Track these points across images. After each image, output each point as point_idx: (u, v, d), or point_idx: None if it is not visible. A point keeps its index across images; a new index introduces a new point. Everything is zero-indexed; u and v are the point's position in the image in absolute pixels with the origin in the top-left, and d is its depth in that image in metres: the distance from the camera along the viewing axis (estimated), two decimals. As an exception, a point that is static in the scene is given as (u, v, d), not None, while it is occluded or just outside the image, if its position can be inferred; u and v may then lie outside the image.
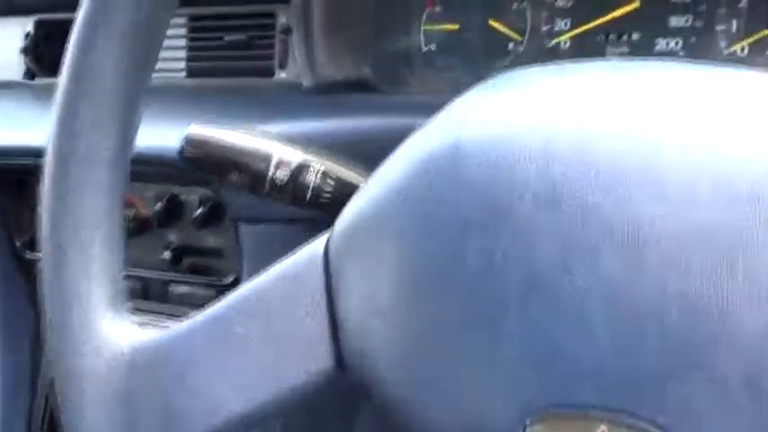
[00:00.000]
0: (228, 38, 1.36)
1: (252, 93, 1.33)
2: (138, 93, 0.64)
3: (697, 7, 1.22)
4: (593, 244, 0.44)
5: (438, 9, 1.40)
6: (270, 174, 0.76)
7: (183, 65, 1.41)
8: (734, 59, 1.18)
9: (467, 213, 0.49)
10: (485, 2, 1.36)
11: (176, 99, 1.36)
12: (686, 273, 0.42)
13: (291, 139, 1.18)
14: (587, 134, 0.50)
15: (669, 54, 1.22)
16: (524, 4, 1.33)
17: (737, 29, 1.19)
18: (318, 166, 0.77)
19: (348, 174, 0.79)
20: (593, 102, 0.52)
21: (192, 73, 1.41)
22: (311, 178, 0.77)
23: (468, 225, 0.48)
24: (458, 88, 1.39)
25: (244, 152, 0.77)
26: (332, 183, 0.78)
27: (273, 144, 0.79)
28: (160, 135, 1.23)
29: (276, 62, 1.33)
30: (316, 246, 0.58)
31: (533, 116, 0.52)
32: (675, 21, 1.23)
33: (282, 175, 0.76)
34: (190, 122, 1.28)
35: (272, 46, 1.33)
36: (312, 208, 0.79)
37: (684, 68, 0.56)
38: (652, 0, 1.24)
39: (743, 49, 1.18)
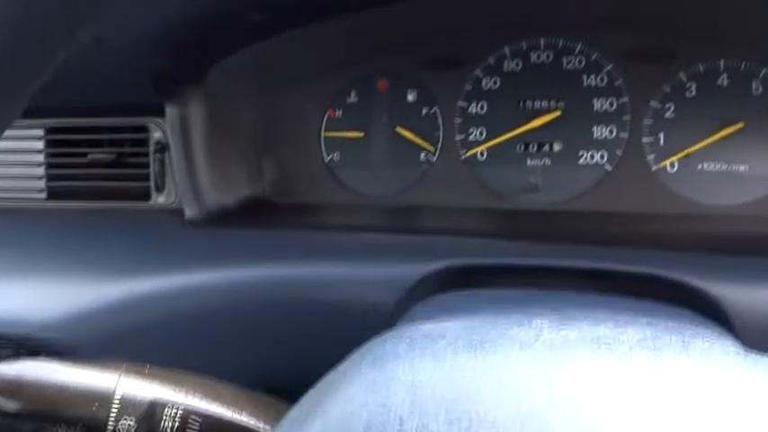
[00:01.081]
0: (94, 155, 1.16)
1: (124, 221, 1.12)
2: None
3: (621, 117, 1.12)
4: None
5: (340, 114, 1.24)
6: (110, 425, 0.57)
7: (42, 185, 1.19)
8: (663, 176, 1.08)
9: None
10: (391, 106, 1.22)
11: (30, 232, 1.13)
12: None
13: (167, 298, 1.00)
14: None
15: (594, 168, 1.12)
16: (435, 109, 1.20)
17: (665, 142, 1.09)
18: (177, 404, 0.59)
19: (219, 409, 0.61)
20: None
21: (53, 195, 1.19)
22: (167, 423, 0.58)
23: None
24: (365, 203, 1.25)
25: (74, 396, 0.58)
26: (197, 423, 0.59)
27: (115, 377, 0.60)
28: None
29: (152, 184, 1.13)
30: None
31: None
32: (599, 131, 1.13)
33: (127, 425, 0.57)
34: (43, 271, 1.08)
35: (146, 165, 1.14)
36: (174, 456, 0.61)
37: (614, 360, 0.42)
38: (574, 108, 1.13)
39: (672, 166, 1.08)
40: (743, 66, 1.05)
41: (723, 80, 1.06)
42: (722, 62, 1.06)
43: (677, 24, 1.05)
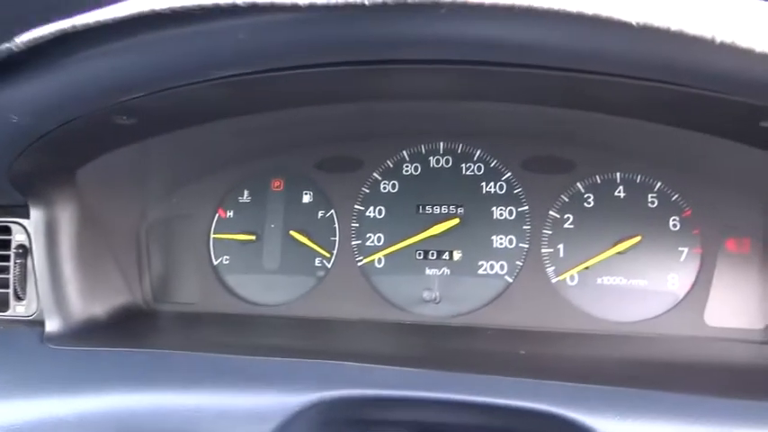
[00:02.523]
0: (-53, 258, 1.04)
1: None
2: None
3: (521, 226, 1.08)
4: None
5: (231, 215, 1.16)
6: None
7: None
8: (563, 289, 1.04)
9: None
10: (286, 208, 1.15)
11: None
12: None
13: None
14: None
15: (494, 278, 1.07)
16: (331, 212, 1.14)
17: (565, 253, 1.05)
18: None
19: None
20: None
21: None
22: None
23: None
24: (253, 313, 1.14)
25: None
26: None
27: None
28: None
29: (11, 292, 1.01)
30: None
31: None
32: (499, 241, 1.08)
33: None
34: None
35: (5, 270, 1.02)
36: None
37: None
38: (473, 216, 1.08)
39: (572, 279, 1.05)
40: (638, 179, 1.04)
41: (620, 192, 1.04)
42: (618, 175, 1.04)
43: (575, 137, 1.04)
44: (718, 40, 0.50)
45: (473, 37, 0.59)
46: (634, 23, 0.49)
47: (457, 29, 0.59)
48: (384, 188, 1.12)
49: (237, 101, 0.85)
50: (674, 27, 0.49)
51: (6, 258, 1.02)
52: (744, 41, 0.50)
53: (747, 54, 0.50)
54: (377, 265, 1.10)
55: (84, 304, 1.00)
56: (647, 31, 0.50)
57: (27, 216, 0.99)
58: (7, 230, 1.02)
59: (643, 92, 0.70)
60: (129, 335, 1.02)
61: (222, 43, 0.60)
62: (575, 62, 0.58)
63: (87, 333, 0.98)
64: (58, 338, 0.97)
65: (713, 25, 0.50)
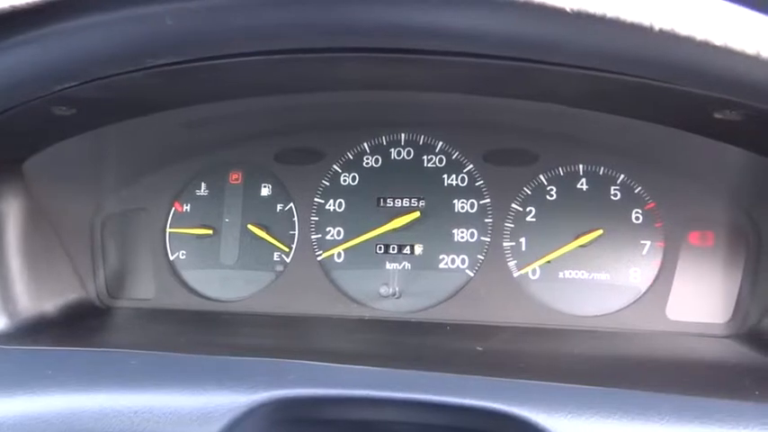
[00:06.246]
0: None
1: None
2: None
3: (482, 219, 1.05)
4: None
5: (188, 208, 1.13)
6: None
7: None
8: (526, 283, 1.02)
9: None
10: (244, 201, 1.12)
11: None
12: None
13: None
14: None
15: (456, 273, 1.05)
16: (290, 205, 1.11)
17: (527, 247, 1.04)
18: None
19: None
20: None
21: None
22: None
23: None
24: (209, 309, 1.10)
25: None
26: None
27: None
28: None
29: (-44, 288, 0.99)
30: None
31: None
32: (460, 234, 1.06)
33: None
34: None
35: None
36: None
37: None
38: (434, 209, 1.06)
39: (534, 272, 1.03)
40: (601, 171, 1.02)
41: (582, 185, 1.02)
42: (581, 167, 1.02)
43: (538, 129, 1.02)
44: (656, 27, 0.47)
45: (407, 24, 0.56)
46: (568, 9, 0.47)
47: (393, 16, 0.57)
48: (344, 180, 1.09)
49: (179, 91, 0.82)
50: (610, 14, 0.47)
51: (-49, 253, 1.00)
52: (684, 29, 0.48)
53: (689, 42, 0.48)
54: (336, 259, 1.07)
55: (32, 301, 0.97)
56: (582, 18, 0.47)
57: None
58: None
59: (594, 82, 0.68)
60: (81, 333, 0.99)
61: (149, 29, 0.58)
62: (515, 51, 0.55)
63: (36, 331, 0.95)
64: (4, 337, 0.94)
65: (652, 12, 0.48)
